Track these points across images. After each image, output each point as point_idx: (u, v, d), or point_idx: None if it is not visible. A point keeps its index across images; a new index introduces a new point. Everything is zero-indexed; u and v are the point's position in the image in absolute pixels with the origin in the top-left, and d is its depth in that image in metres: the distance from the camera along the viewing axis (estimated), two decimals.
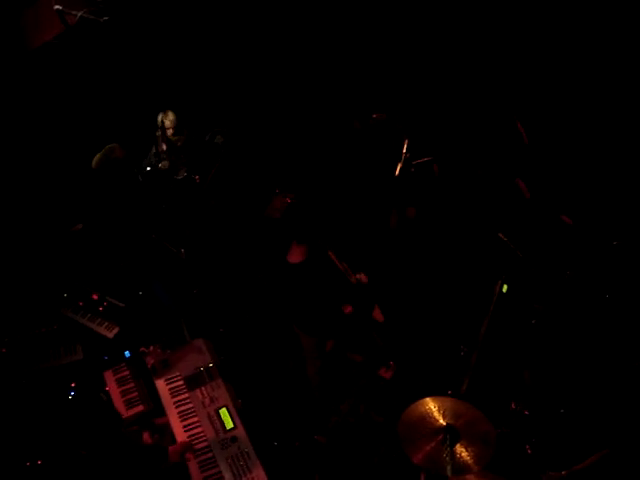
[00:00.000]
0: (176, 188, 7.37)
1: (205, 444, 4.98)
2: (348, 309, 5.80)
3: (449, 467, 4.07)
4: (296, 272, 5.47)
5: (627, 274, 5.94)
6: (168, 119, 7.35)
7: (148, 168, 7.38)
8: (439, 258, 7.00)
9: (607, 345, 5.65)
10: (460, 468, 4.15)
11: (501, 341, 5.80)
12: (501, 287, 5.61)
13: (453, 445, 4.17)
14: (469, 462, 4.15)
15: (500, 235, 5.99)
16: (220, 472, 4.81)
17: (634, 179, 6.73)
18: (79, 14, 5.70)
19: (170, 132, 7.40)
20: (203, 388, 5.33)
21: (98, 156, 6.75)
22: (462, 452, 4.18)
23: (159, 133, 7.40)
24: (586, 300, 5.95)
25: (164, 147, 7.45)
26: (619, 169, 6.85)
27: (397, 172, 6.56)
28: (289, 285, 5.58)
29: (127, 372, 5.55)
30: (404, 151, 6.59)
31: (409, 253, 7.16)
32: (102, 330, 5.99)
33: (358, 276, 5.98)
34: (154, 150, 7.41)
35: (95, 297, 6.16)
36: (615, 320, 5.77)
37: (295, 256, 5.48)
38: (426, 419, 4.29)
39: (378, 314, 6.24)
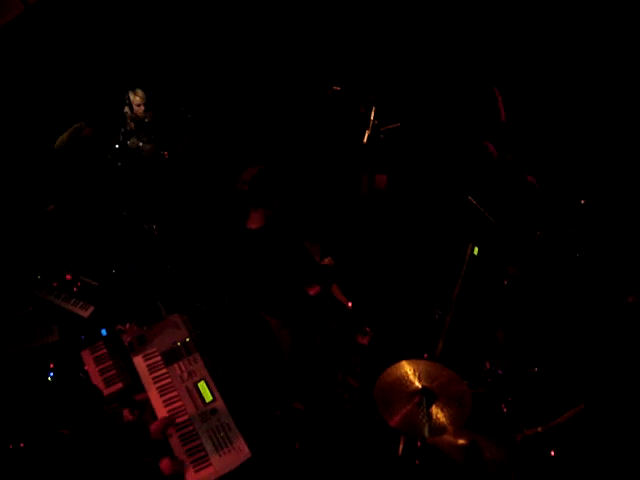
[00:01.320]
0: (145, 164, 7.33)
1: (185, 418, 5.02)
2: (314, 290, 5.79)
3: (426, 428, 4.15)
4: (255, 239, 5.44)
5: (595, 232, 6.01)
6: (138, 97, 7.30)
7: (117, 146, 7.33)
8: (410, 223, 7.04)
9: (579, 302, 5.72)
10: (437, 429, 4.22)
11: (474, 303, 5.87)
12: (472, 250, 5.66)
13: (429, 407, 4.23)
14: (445, 423, 4.22)
15: (469, 198, 6.03)
16: (201, 444, 4.86)
17: (601, 137, 6.80)
18: None
19: (140, 110, 7.35)
20: (181, 363, 5.36)
21: (64, 136, 6.70)
22: (438, 413, 4.24)
23: (127, 110, 7.35)
24: (557, 259, 6.03)
25: (132, 125, 7.42)
26: (584, 127, 6.91)
27: (365, 139, 6.55)
28: (250, 257, 5.55)
29: (104, 350, 5.55)
30: (372, 118, 6.58)
31: (381, 220, 7.18)
32: (77, 310, 5.98)
33: (325, 261, 5.99)
34: (122, 128, 7.36)
35: (69, 277, 6.13)
36: (586, 277, 5.85)
37: (253, 222, 5.45)
38: (401, 382, 4.35)
39: (339, 294, 6.26)
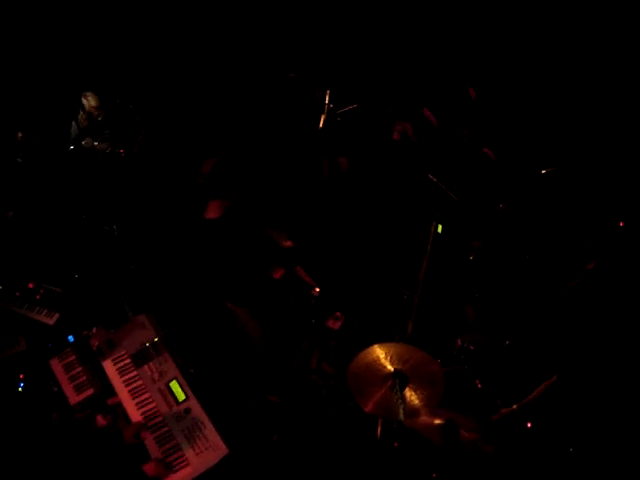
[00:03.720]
0: (102, 164, 7.22)
1: (160, 419, 4.98)
2: (278, 273, 5.75)
3: (401, 411, 4.14)
4: (214, 229, 5.38)
5: (557, 201, 6.04)
6: (91, 99, 7.19)
7: (72, 147, 7.22)
8: (373, 204, 7.01)
9: (545, 273, 5.76)
10: (412, 411, 4.23)
11: (441, 280, 5.88)
12: (436, 228, 5.65)
13: (403, 389, 4.23)
14: (420, 404, 4.22)
15: (430, 176, 6.02)
16: (178, 444, 4.83)
17: (558, 105, 6.81)
18: None
19: (95, 112, 7.24)
20: (151, 363, 5.30)
21: None
22: (412, 395, 4.24)
23: (81, 113, 7.24)
24: (521, 231, 6.05)
25: (86, 124, 7.30)
26: (541, 94, 6.92)
27: (321, 124, 6.51)
28: (211, 247, 5.49)
29: (73, 357, 5.46)
30: (327, 102, 6.54)
31: (343, 202, 7.16)
32: (42, 318, 5.87)
33: (286, 243, 5.94)
34: (76, 130, 7.24)
35: (31, 286, 6.02)
36: (550, 248, 5.88)
37: (211, 212, 5.39)
38: (373, 367, 4.33)
39: (305, 276, 6.23)
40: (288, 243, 5.93)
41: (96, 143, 7.28)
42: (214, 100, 8.13)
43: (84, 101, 7.19)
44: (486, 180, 6.38)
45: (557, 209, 6.03)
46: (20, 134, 6.94)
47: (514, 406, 4.86)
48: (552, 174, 6.09)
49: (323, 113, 6.54)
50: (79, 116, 7.25)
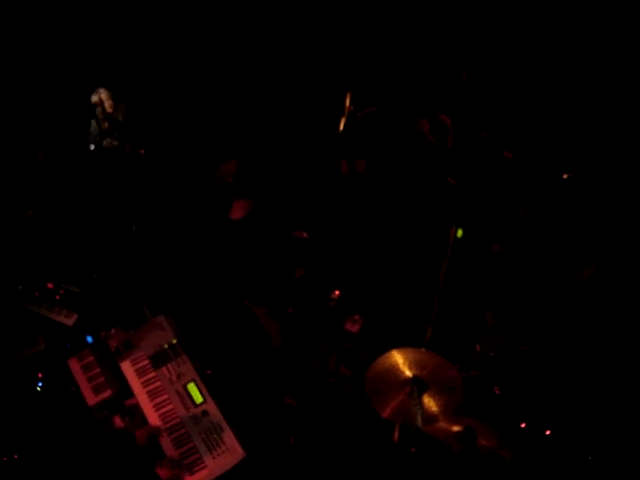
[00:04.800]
0: (122, 164, 7.24)
1: (177, 421, 4.99)
2: (300, 272, 5.74)
3: (419, 418, 4.11)
4: (238, 229, 5.39)
5: (579, 206, 5.99)
6: (103, 96, 7.19)
7: (92, 147, 7.24)
8: (392, 207, 6.98)
9: (565, 278, 5.71)
10: (430, 417, 4.20)
11: (461, 285, 5.84)
12: (456, 232, 5.60)
13: (421, 396, 4.20)
14: (438, 410, 4.20)
15: (449, 179, 5.98)
16: (195, 447, 4.84)
17: (582, 111, 6.75)
18: None
19: (109, 108, 7.24)
20: (169, 365, 5.31)
21: None
22: (430, 402, 4.22)
23: (99, 111, 7.24)
24: (542, 235, 6.00)
25: (106, 124, 7.31)
26: (563, 99, 6.86)
27: (341, 127, 6.49)
28: (235, 247, 5.49)
29: (91, 358, 5.49)
30: (347, 105, 6.52)
31: (363, 204, 7.13)
32: (61, 318, 5.90)
33: (297, 234, 5.91)
34: (96, 129, 7.26)
35: (50, 286, 6.05)
36: (571, 252, 5.83)
37: (236, 212, 5.39)
38: (391, 373, 4.31)
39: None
40: (304, 235, 5.91)
41: (116, 143, 7.30)
42: (234, 102, 8.13)
43: (100, 97, 7.17)
44: (506, 184, 6.34)
45: (577, 214, 5.98)
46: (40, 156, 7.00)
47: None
48: (573, 179, 6.04)
49: (343, 115, 6.52)
50: (97, 114, 7.25)
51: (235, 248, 5.43)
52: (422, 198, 6.81)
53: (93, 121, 7.23)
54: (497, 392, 5.12)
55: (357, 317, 6.23)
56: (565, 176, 6.08)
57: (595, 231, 5.92)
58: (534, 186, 6.25)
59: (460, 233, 5.56)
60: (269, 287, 5.68)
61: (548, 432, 4.99)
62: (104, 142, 7.28)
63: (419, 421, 4.10)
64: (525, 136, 6.64)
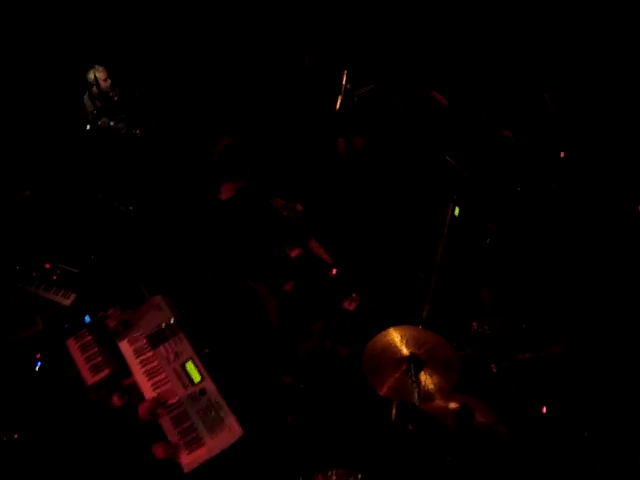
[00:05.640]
0: (118, 144, 7.22)
1: (175, 400, 5.01)
2: (295, 252, 5.72)
3: (416, 395, 4.12)
4: (227, 210, 5.37)
5: (576, 185, 5.98)
6: (99, 73, 7.14)
7: (88, 127, 7.20)
8: (389, 185, 6.98)
9: (561, 256, 5.72)
10: (427, 395, 4.22)
11: (458, 263, 5.85)
12: (453, 210, 5.61)
13: (417, 374, 4.21)
14: (435, 388, 4.21)
15: (447, 158, 5.97)
16: (193, 425, 4.86)
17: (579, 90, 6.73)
18: None
19: (106, 85, 7.20)
20: (167, 344, 5.32)
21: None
22: (427, 379, 4.23)
23: (95, 90, 7.19)
24: (539, 214, 6.00)
25: (99, 103, 7.28)
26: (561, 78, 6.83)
27: (338, 105, 6.47)
28: (227, 227, 5.48)
29: (89, 337, 5.48)
30: (344, 83, 6.49)
31: (360, 182, 7.13)
32: (59, 298, 5.89)
33: (291, 205, 5.89)
34: (91, 108, 7.23)
35: (48, 266, 6.05)
36: (567, 231, 5.83)
37: (224, 193, 5.38)
38: (388, 351, 4.31)
39: (320, 251, 6.22)
40: (299, 207, 5.90)
41: (112, 123, 7.28)
42: (230, 81, 8.10)
43: (95, 75, 7.12)
44: (504, 162, 6.33)
45: (575, 193, 5.98)
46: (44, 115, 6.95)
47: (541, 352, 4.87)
48: (571, 157, 6.03)
49: (340, 94, 6.50)
50: (92, 91, 7.20)
51: (229, 227, 5.41)
52: (419, 176, 6.80)
53: (86, 98, 7.20)
54: (494, 370, 5.14)
55: (354, 296, 6.25)
56: (562, 155, 6.07)
57: (591, 210, 5.92)
58: (531, 164, 6.25)
59: (457, 211, 5.58)
60: (267, 264, 5.67)
61: (544, 409, 5.00)
62: (99, 122, 7.25)
63: (415, 398, 4.11)
64: (523, 115, 6.62)
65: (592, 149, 6.16)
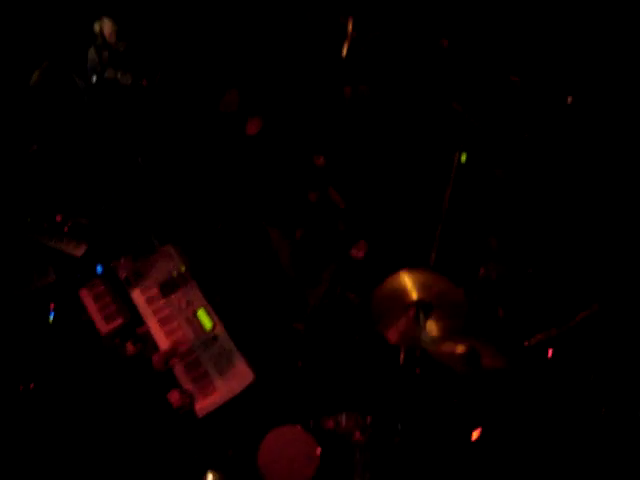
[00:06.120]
0: (124, 95, 7.18)
1: (188, 347, 5.11)
2: (314, 195, 5.77)
3: (424, 339, 4.19)
4: (254, 144, 5.43)
5: (585, 132, 5.95)
6: (106, 26, 7.08)
7: (94, 78, 7.17)
8: (395, 132, 6.95)
9: (569, 203, 5.72)
10: (434, 339, 4.28)
11: (464, 210, 5.86)
12: (459, 156, 5.60)
13: (426, 318, 4.27)
14: (442, 332, 4.27)
15: (454, 104, 5.94)
16: (206, 371, 4.97)
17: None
18: None
19: (112, 39, 7.14)
20: (178, 293, 5.40)
21: (36, 73, 6.57)
22: (435, 323, 4.29)
23: (100, 42, 7.14)
24: (546, 160, 5.99)
25: (106, 54, 7.23)
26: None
27: (344, 52, 6.42)
28: (249, 166, 5.53)
29: (102, 287, 5.56)
30: (350, 30, 6.43)
31: (366, 130, 7.09)
32: (70, 249, 5.94)
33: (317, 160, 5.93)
34: (95, 59, 7.18)
35: (59, 218, 6.09)
36: (575, 178, 5.82)
37: (251, 128, 5.44)
38: (397, 295, 4.36)
39: (336, 197, 6.25)
40: (320, 160, 5.94)
41: (118, 75, 7.24)
42: (236, 29, 8.01)
43: (102, 27, 7.07)
44: (511, 108, 6.29)
45: (582, 138, 5.95)
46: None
47: (552, 332, 4.90)
48: (577, 103, 5.99)
49: (346, 41, 6.44)
50: (98, 44, 7.15)
51: (250, 166, 5.46)
52: (426, 123, 6.77)
53: (92, 50, 7.15)
54: (501, 314, 5.19)
55: (362, 243, 6.28)
56: (569, 100, 6.03)
57: (598, 155, 5.91)
58: (538, 110, 6.21)
59: (464, 158, 5.57)
60: (285, 206, 5.72)
61: (550, 353, 5.06)
62: (106, 73, 7.21)
63: (423, 342, 4.18)
64: (530, 59, 6.55)
65: (599, 94, 6.10)
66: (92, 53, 7.13)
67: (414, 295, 4.31)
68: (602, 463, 4.81)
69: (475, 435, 4.94)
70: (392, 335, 4.32)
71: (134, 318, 5.37)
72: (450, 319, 4.31)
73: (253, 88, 5.53)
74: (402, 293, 4.36)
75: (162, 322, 5.27)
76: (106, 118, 7.02)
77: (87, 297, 5.54)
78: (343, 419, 4.91)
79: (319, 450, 4.58)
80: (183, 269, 5.52)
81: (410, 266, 5.01)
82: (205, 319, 5.21)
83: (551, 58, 6.48)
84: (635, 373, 5.02)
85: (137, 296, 5.46)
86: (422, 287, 4.35)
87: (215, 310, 5.28)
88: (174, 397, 4.76)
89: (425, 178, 6.45)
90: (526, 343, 4.99)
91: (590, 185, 5.79)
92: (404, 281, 4.39)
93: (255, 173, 5.41)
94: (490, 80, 6.49)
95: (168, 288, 5.44)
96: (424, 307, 4.27)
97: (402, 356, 4.82)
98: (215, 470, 4.53)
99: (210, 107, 7.28)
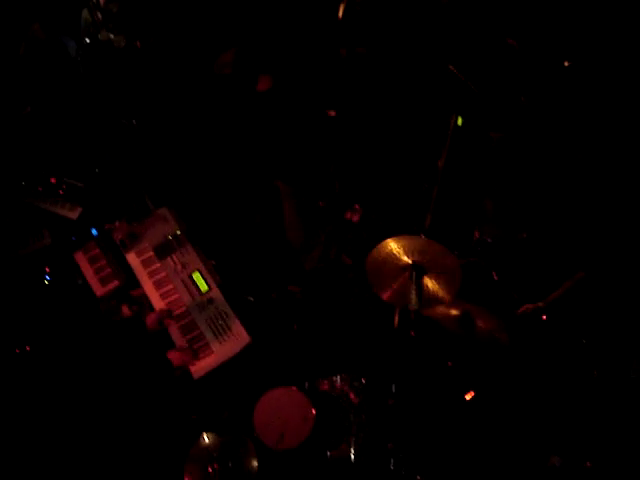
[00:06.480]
0: (119, 57, 7.12)
1: (183, 309, 5.14)
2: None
3: (414, 300, 4.17)
4: (266, 100, 5.44)
5: (579, 94, 5.93)
6: None
7: (87, 40, 7.10)
8: (391, 96, 6.91)
9: (565, 167, 5.71)
10: (428, 301, 4.29)
11: (460, 173, 5.85)
12: (456, 120, 5.57)
13: (419, 280, 4.26)
14: (437, 295, 4.28)
15: (450, 67, 5.89)
16: (201, 333, 5.01)
17: None
18: None
19: (108, 4, 7.07)
20: (173, 255, 5.43)
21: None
22: (429, 286, 4.29)
23: (93, 3, 7.06)
24: (542, 123, 5.97)
25: (99, 16, 7.15)
26: None
27: (340, 14, 6.36)
28: (261, 120, 5.55)
29: (97, 250, 5.56)
30: None
31: (361, 92, 7.05)
32: (65, 212, 5.93)
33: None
34: (88, 19, 7.10)
35: (53, 181, 6.07)
36: (570, 141, 5.81)
37: (262, 84, 5.46)
38: (391, 259, 4.36)
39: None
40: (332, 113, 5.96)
41: (112, 36, 7.17)
42: None
43: None
44: (508, 71, 6.25)
45: (577, 102, 5.93)
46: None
47: (540, 303, 4.92)
48: (574, 67, 5.95)
49: (342, 2, 6.37)
50: (91, 5, 7.06)
51: (263, 122, 5.47)
52: (422, 86, 6.73)
53: (85, 11, 7.07)
54: (495, 278, 5.21)
55: (357, 207, 6.28)
56: (566, 64, 6.00)
57: (594, 117, 5.88)
58: (535, 73, 6.17)
59: (460, 121, 5.54)
60: (296, 163, 5.72)
61: (544, 317, 5.09)
62: (99, 35, 7.14)
63: (415, 302, 4.17)
64: (528, 22, 6.50)
65: (596, 58, 6.06)
66: (85, 14, 7.06)
67: (408, 258, 4.30)
68: (593, 423, 4.87)
69: (468, 398, 4.99)
70: (386, 294, 4.31)
71: (130, 281, 5.38)
72: (444, 282, 4.30)
73: (251, 49, 5.49)
74: (397, 257, 4.34)
75: (158, 285, 5.29)
76: (100, 80, 6.97)
77: (82, 260, 5.54)
78: (338, 381, 4.96)
79: (314, 411, 4.62)
80: (178, 232, 5.52)
81: (405, 229, 5.03)
82: (201, 282, 5.23)
83: (548, 21, 6.43)
84: (625, 337, 5.06)
85: (132, 259, 5.47)
86: (416, 251, 4.33)
87: (211, 273, 5.29)
88: (174, 356, 4.79)
89: (421, 141, 6.43)
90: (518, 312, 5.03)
91: (585, 148, 5.77)
92: (398, 245, 4.37)
93: (263, 129, 5.42)
94: (487, 43, 6.45)
95: (163, 251, 5.46)
96: (418, 270, 4.26)
97: (397, 319, 4.83)
98: (211, 431, 4.56)
99: (205, 68, 7.23)
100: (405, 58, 6.93)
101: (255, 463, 4.42)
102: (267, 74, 5.42)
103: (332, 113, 6.02)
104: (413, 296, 4.14)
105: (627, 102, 5.93)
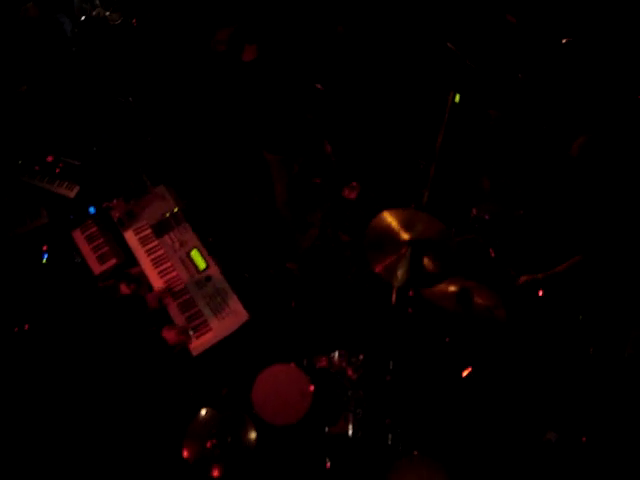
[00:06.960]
0: (114, 34, 7.09)
1: (182, 287, 5.15)
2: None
3: (400, 275, 4.17)
4: (251, 70, 5.42)
5: (576, 72, 5.91)
6: None
7: (83, 18, 7.06)
8: (389, 74, 6.89)
9: (560, 143, 5.69)
10: (424, 277, 4.28)
11: (458, 151, 5.85)
12: (453, 97, 5.56)
13: (416, 256, 4.26)
14: (433, 271, 4.27)
15: (448, 44, 5.87)
16: (200, 310, 5.02)
17: None
18: None
19: None
20: (171, 233, 5.43)
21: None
22: (425, 262, 4.28)
23: None
24: (539, 101, 5.96)
25: None
26: None
27: None
28: (249, 92, 5.52)
29: (95, 228, 5.57)
30: None
31: (359, 68, 7.02)
32: (63, 191, 5.92)
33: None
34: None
35: (50, 159, 6.06)
36: (569, 119, 5.80)
37: (247, 54, 5.43)
38: (388, 234, 4.35)
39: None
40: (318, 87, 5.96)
41: (107, 13, 7.13)
42: None
43: None
44: (505, 48, 6.23)
45: (574, 79, 5.91)
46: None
47: (539, 275, 4.93)
48: (572, 44, 5.93)
49: None
50: None
51: (253, 89, 5.42)
52: (420, 63, 6.71)
53: None
54: (492, 255, 5.22)
55: (355, 184, 6.28)
56: (564, 41, 5.98)
57: (591, 97, 5.87)
58: (533, 51, 6.15)
59: (458, 98, 5.53)
60: (285, 134, 5.69)
61: (540, 293, 5.10)
62: (94, 12, 7.10)
63: (399, 280, 4.16)
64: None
65: (594, 35, 6.04)
66: None
67: (405, 235, 4.28)
68: (589, 400, 4.90)
69: (465, 374, 5.02)
70: (379, 267, 4.29)
71: (128, 259, 5.39)
72: (440, 259, 4.29)
73: (247, 24, 5.45)
74: (393, 232, 4.32)
75: (156, 262, 5.29)
76: (96, 57, 6.93)
77: (80, 238, 5.55)
78: (336, 357, 4.98)
79: (312, 387, 4.64)
80: (176, 210, 5.52)
81: (403, 206, 5.02)
82: (199, 259, 5.24)
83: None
84: (621, 314, 5.07)
85: (130, 237, 5.48)
86: (413, 226, 4.32)
87: (208, 251, 5.29)
88: (169, 334, 4.80)
89: (419, 118, 6.42)
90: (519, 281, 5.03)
91: (583, 126, 5.76)
92: (395, 220, 4.36)
93: (252, 100, 5.39)
94: (486, 19, 6.42)
95: (161, 229, 5.46)
96: (415, 245, 4.25)
97: (394, 295, 4.84)
98: (209, 407, 4.59)
99: (201, 45, 7.19)
100: (403, 35, 6.90)
101: (254, 438, 4.45)
102: (253, 44, 5.36)
103: (319, 86, 5.99)
104: (400, 272, 4.14)
105: (625, 79, 5.92)
